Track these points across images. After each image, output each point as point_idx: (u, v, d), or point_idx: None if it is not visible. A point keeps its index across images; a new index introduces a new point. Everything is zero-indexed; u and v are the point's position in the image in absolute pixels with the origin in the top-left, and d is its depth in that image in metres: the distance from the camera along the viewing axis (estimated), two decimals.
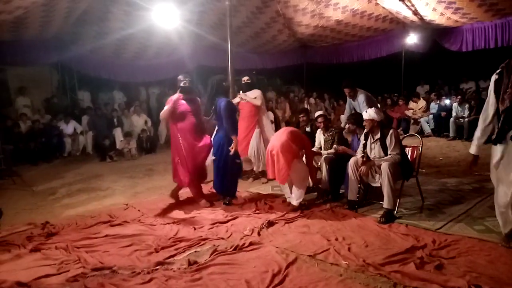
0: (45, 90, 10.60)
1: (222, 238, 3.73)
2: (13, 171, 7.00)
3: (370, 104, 5.30)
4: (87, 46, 8.81)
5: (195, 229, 4.01)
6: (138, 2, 6.94)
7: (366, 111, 4.44)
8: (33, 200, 5.50)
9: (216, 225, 4.11)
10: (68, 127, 9.28)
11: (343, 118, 9.40)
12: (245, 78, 6.15)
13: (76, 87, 11.07)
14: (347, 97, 5.85)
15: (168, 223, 4.21)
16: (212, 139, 4.92)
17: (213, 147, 4.82)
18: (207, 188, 5.37)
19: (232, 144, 4.61)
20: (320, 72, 13.32)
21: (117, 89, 11.62)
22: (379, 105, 7.38)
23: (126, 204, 4.99)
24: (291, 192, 4.65)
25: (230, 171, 4.78)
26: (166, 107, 4.76)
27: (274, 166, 4.49)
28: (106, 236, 3.86)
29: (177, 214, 4.59)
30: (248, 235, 3.75)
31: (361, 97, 5.57)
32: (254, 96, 5.97)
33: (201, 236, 3.78)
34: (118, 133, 9.37)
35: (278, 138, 4.57)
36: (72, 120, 9.47)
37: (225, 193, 4.89)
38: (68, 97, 10.91)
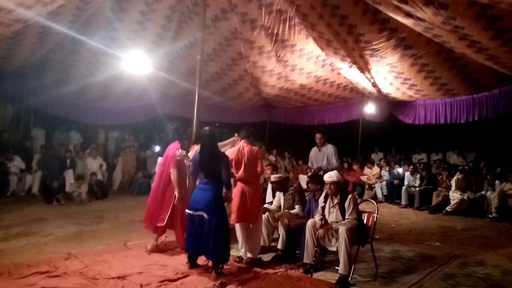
0: None
1: None
2: None
3: (338, 158, 5.48)
4: (48, 84, 8.60)
5: (141, 286, 3.75)
6: (108, 50, 6.96)
7: (329, 175, 4.39)
8: None
9: (165, 283, 3.88)
10: (14, 165, 8.72)
11: (301, 177, 9.46)
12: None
13: (31, 124, 10.60)
14: (315, 147, 5.86)
15: (113, 278, 3.91)
16: (194, 195, 4.32)
17: (203, 205, 4.15)
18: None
19: (228, 198, 4.38)
20: (282, 131, 13.65)
21: (75, 129, 11.20)
22: None
23: (68, 254, 4.62)
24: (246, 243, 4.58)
25: (225, 231, 4.18)
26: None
27: (246, 206, 4.51)
28: None
29: (124, 267, 4.29)
30: None
31: (330, 148, 5.61)
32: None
33: None
34: (69, 175, 8.90)
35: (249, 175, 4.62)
36: (17, 157, 8.87)
37: (219, 259, 4.13)
38: (21, 133, 10.38)
